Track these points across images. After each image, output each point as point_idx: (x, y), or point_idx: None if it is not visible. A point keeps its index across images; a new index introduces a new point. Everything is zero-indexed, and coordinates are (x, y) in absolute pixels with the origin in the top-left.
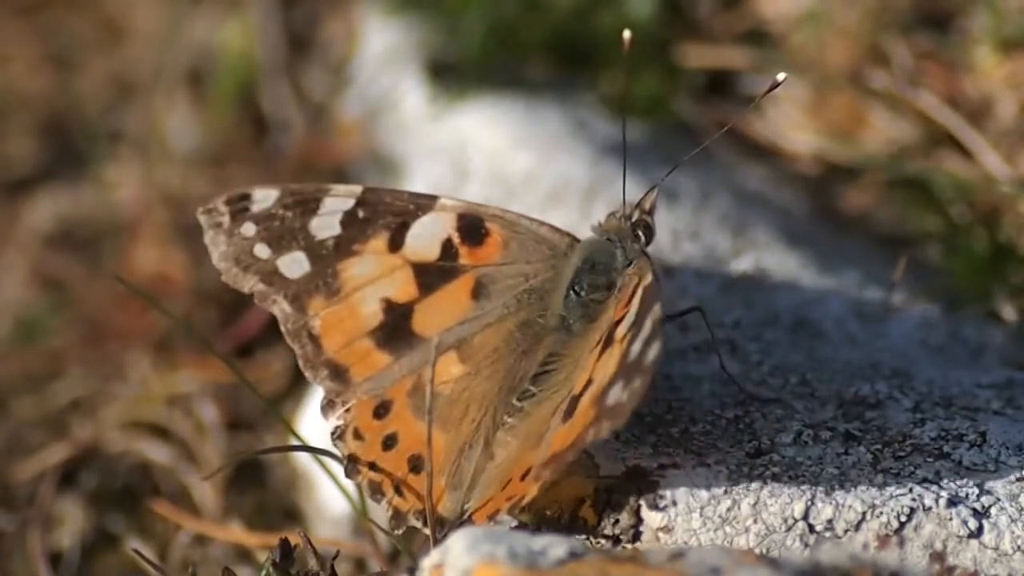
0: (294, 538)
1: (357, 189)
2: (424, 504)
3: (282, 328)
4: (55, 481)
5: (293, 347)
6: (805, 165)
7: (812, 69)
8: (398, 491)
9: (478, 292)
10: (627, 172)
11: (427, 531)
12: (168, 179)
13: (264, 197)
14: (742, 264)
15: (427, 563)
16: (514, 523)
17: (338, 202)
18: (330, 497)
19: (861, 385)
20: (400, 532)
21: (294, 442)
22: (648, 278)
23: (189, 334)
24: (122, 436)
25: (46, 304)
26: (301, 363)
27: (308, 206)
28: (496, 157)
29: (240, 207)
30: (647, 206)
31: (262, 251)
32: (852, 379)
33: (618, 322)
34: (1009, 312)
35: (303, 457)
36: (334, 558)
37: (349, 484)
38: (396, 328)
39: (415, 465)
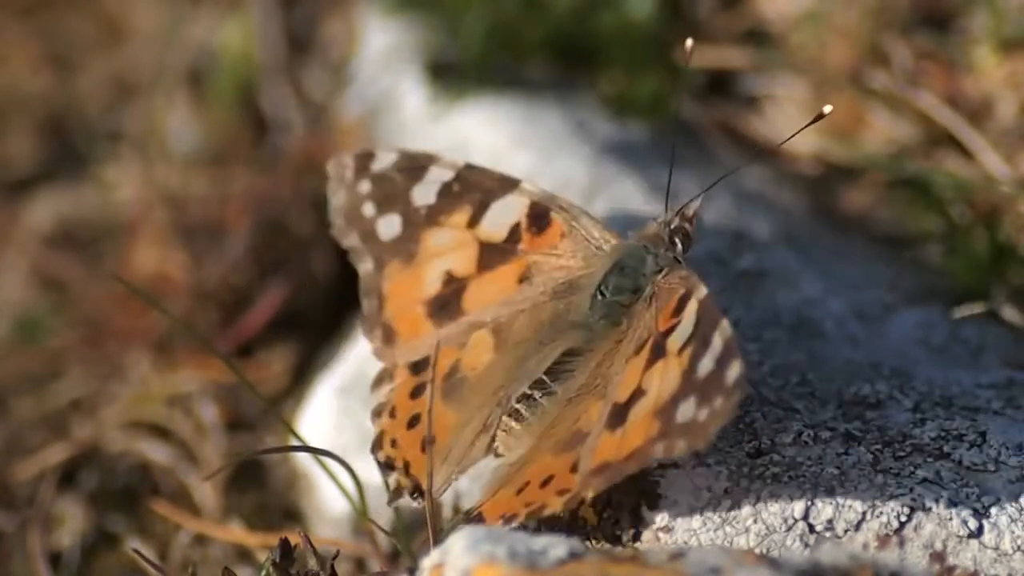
0: (294, 538)
1: (459, 162)
2: (421, 479)
3: (360, 285)
4: (55, 481)
5: (363, 303)
6: (805, 165)
7: (812, 69)
8: (406, 468)
9: (525, 277)
10: (627, 172)
11: (416, 504)
12: (168, 179)
13: (385, 158)
14: (742, 264)
15: (427, 563)
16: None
17: (440, 172)
18: (330, 497)
19: (861, 385)
20: (394, 505)
21: (294, 442)
22: (702, 292)
23: (189, 334)
24: (122, 436)
25: (46, 304)
26: (362, 320)
27: (416, 172)
28: (496, 157)
29: (364, 164)
30: (689, 214)
31: (368, 210)
32: (852, 379)
33: (667, 332)
34: (1009, 312)
35: (303, 457)
36: (334, 558)
37: (349, 484)
38: (449, 301)
39: (422, 445)
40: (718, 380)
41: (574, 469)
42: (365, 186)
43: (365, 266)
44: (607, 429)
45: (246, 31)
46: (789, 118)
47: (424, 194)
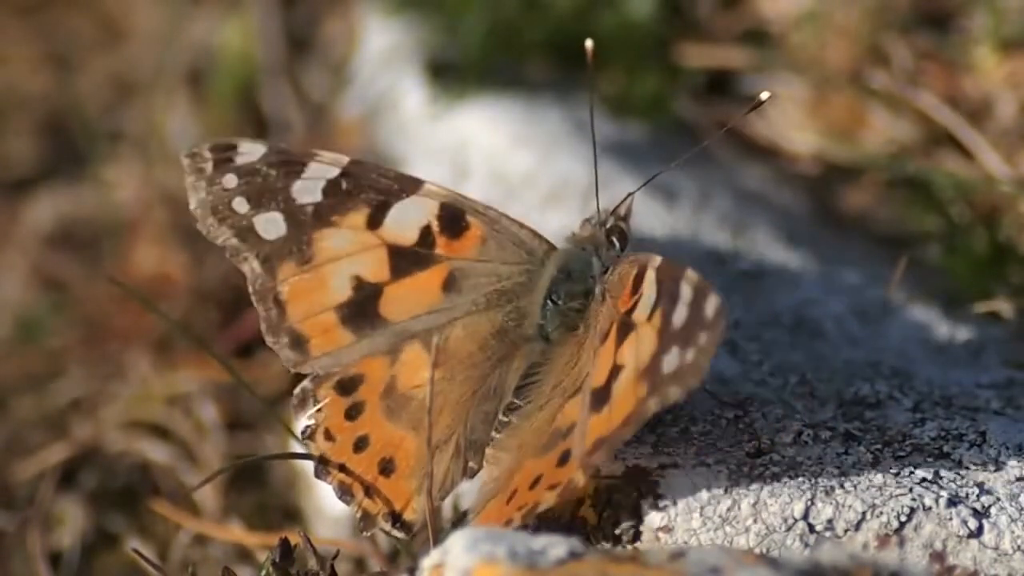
0: (294, 538)
1: (343, 159)
2: (393, 507)
3: (249, 288)
4: (55, 481)
5: (258, 308)
6: (805, 165)
7: (812, 69)
8: (368, 494)
9: (449, 285)
10: (628, 172)
11: (396, 533)
12: (168, 179)
13: (250, 151)
14: (742, 264)
15: (427, 563)
16: None
17: (323, 168)
18: (330, 497)
19: (861, 385)
20: (368, 534)
21: (293, 442)
22: (656, 261)
23: (186, 337)
24: (122, 436)
25: (46, 304)
26: (263, 327)
27: (293, 167)
28: (496, 157)
29: (225, 156)
30: (622, 212)
31: (240, 205)
32: (852, 379)
33: (630, 311)
34: (1009, 312)
35: None
36: (334, 558)
37: None
38: (363, 307)
39: (385, 468)
40: (697, 319)
41: (560, 463)
42: (231, 180)
43: (250, 266)
44: (592, 412)
45: (246, 31)
46: (789, 118)
47: (307, 191)
